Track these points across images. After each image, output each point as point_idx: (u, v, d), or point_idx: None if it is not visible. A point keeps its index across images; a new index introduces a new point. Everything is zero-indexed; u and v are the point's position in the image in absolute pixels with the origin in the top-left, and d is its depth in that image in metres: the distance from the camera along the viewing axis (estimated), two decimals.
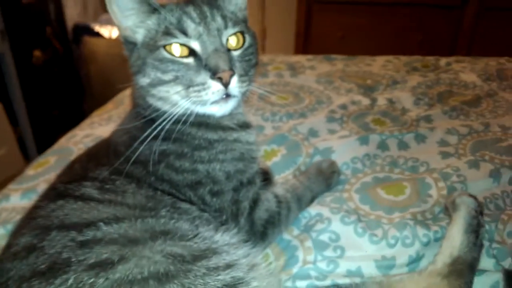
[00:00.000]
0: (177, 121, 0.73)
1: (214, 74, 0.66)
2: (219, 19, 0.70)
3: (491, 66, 1.64)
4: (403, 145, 1.13)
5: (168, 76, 0.69)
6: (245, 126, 0.83)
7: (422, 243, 0.80)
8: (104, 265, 0.54)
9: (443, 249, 0.75)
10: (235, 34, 0.72)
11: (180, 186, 0.73)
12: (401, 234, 0.82)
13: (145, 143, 0.71)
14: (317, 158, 1.08)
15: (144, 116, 0.75)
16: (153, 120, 0.72)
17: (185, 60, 0.68)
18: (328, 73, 1.62)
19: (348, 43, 2.91)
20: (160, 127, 0.71)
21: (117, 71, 2.76)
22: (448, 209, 0.85)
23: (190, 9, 0.70)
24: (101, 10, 3.12)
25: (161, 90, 0.70)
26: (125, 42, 0.74)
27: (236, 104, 0.74)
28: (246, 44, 0.74)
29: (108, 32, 2.68)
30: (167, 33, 0.68)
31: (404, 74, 1.62)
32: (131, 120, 0.77)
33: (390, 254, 0.79)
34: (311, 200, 0.93)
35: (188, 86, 0.68)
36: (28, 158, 2.63)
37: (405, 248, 0.79)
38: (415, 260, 0.78)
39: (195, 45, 0.68)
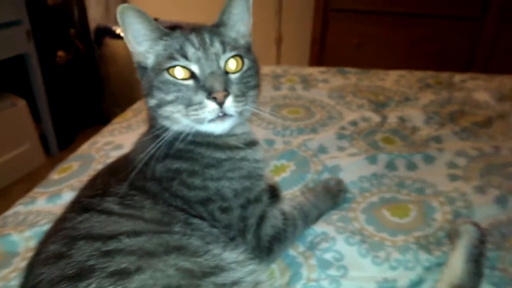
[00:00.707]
0: (188, 141, 0.79)
1: (210, 94, 0.72)
2: (217, 45, 0.77)
3: (505, 85, 1.64)
4: (411, 166, 1.16)
5: (170, 97, 0.75)
6: (251, 144, 0.88)
7: (424, 267, 0.83)
8: (122, 274, 0.59)
9: (444, 276, 0.77)
10: (233, 57, 0.78)
11: (192, 202, 0.78)
12: (403, 257, 0.84)
13: (160, 161, 0.78)
14: (325, 175, 1.11)
15: (158, 136, 0.80)
16: (165, 139, 0.78)
17: (185, 82, 0.75)
18: (341, 87, 1.64)
19: (364, 52, 2.92)
20: (173, 146, 0.78)
21: (135, 72, 2.83)
22: (451, 236, 0.87)
23: (192, 36, 0.77)
24: None
25: (166, 110, 0.77)
26: (138, 67, 0.82)
27: (234, 123, 0.79)
28: (245, 67, 0.80)
29: None
30: (171, 57, 0.75)
31: (416, 90, 1.64)
32: (148, 140, 0.82)
33: (392, 276, 0.81)
34: (318, 217, 0.96)
35: (188, 105, 0.74)
36: (49, 154, 2.72)
37: (406, 271, 0.82)
38: (416, 284, 0.80)
39: (195, 68, 0.75)
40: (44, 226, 0.93)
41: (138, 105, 1.51)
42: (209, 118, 0.74)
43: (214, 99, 0.72)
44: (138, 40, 0.78)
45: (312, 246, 0.89)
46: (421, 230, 0.93)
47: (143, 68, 0.80)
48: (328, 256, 0.86)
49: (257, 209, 0.83)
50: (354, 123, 1.36)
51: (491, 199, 1.01)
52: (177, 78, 0.75)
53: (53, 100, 2.62)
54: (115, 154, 1.19)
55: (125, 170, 0.81)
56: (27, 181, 2.48)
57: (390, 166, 1.15)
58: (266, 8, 3.05)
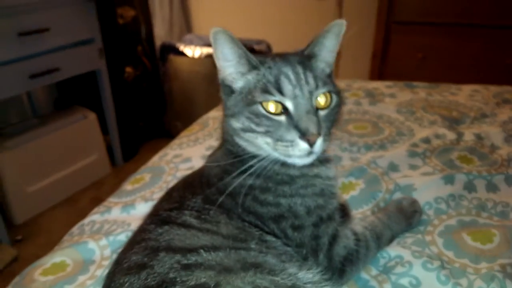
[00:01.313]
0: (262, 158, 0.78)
1: (303, 135, 0.72)
2: (311, 81, 0.75)
3: None
4: (492, 187, 1.08)
5: (260, 129, 0.75)
6: (325, 161, 0.86)
7: None
8: None
9: None
10: (323, 93, 0.76)
11: (264, 219, 0.77)
12: (488, 286, 0.78)
13: (234, 177, 0.78)
14: (398, 195, 1.07)
15: (233, 153, 0.81)
16: (241, 157, 0.79)
17: (278, 118, 0.74)
18: (409, 102, 1.58)
19: (428, 66, 2.80)
20: (248, 165, 0.77)
21: (197, 88, 2.93)
22: None
23: (287, 70, 0.75)
24: (186, 30, 3.33)
25: (251, 136, 0.76)
26: (222, 84, 0.81)
27: (317, 157, 0.77)
28: (333, 103, 0.78)
29: (192, 51, 2.85)
30: (265, 90, 0.74)
31: (493, 106, 1.53)
32: (222, 155, 0.83)
33: None
34: (391, 240, 0.92)
35: (277, 140, 0.74)
36: (114, 164, 2.87)
37: None
38: None
39: (289, 105, 0.74)
40: (119, 235, 0.97)
41: (204, 119, 1.55)
42: (297, 155, 0.74)
43: (307, 140, 0.72)
44: (225, 61, 0.77)
45: (387, 270, 0.85)
46: (507, 257, 0.85)
47: (227, 87, 0.80)
48: (404, 281, 0.82)
49: (330, 228, 0.81)
50: (426, 140, 1.29)
51: None
52: (270, 113, 0.74)
53: (120, 113, 2.77)
54: (183, 167, 1.22)
55: (200, 184, 0.83)
56: (93, 189, 2.63)
57: (469, 187, 1.08)
58: (325, 20, 3.05)
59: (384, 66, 2.95)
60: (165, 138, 3.13)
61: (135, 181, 1.21)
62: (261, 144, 0.76)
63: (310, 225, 0.79)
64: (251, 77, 0.77)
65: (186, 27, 3.34)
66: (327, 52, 0.81)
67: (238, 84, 0.78)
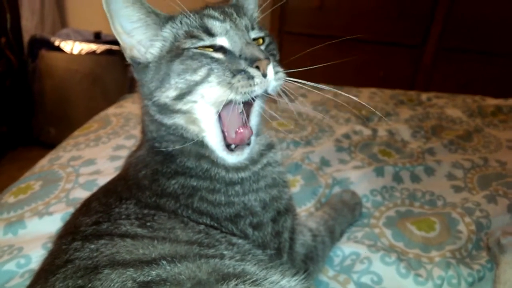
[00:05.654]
0: (198, 156, 0.66)
1: (252, 63, 0.60)
2: (246, 18, 0.67)
3: (469, 103, 1.71)
4: (415, 178, 1.11)
5: (202, 72, 0.60)
6: (269, 146, 0.76)
7: (468, 282, 0.77)
8: None
9: None
10: (261, 38, 0.69)
11: (220, 220, 0.65)
12: (446, 273, 0.77)
13: (170, 177, 0.65)
14: (336, 189, 1.03)
15: (160, 150, 0.67)
16: (171, 154, 0.66)
17: (216, 55, 0.61)
18: (321, 101, 1.59)
19: (316, 73, 2.96)
20: (180, 161, 0.66)
21: (75, 88, 2.54)
22: (491, 249, 0.81)
23: (210, 11, 0.65)
24: (60, 24, 2.89)
25: (196, 94, 0.61)
26: (133, 62, 0.66)
27: (250, 150, 0.68)
28: (267, 41, 0.70)
29: (70, 47, 2.47)
30: (192, 35, 0.62)
31: (393, 106, 1.64)
32: (149, 154, 0.67)
33: None
34: (341, 234, 0.88)
35: (232, 75, 0.60)
36: None
37: None
38: None
39: (223, 42, 0.62)
40: (6, 265, 0.71)
41: (102, 116, 1.30)
42: (257, 93, 0.60)
43: (257, 68, 0.59)
44: (129, 29, 0.63)
45: (346, 269, 0.79)
46: (452, 243, 0.87)
47: (140, 63, 0.65)
48: (366, 279, 0.77)
49: (288, 221, 0.73)
50: (347, 136, 1.29)
51: (503, 208, 0.99)
52: (206, 50, 0.61)
53: None
54: (86, 171, 0.97)
55: (127, 188, 0.65)
56: None
57: (397, 178, 1.09)
58: None
59: None
60: (33, 146, 2.64)
61: (19, 191, 0.90)
62: (213, 96, 0.60)
63: (269, 221, 0.69)
64: (168, 32, 0.64)
65: (60, 21, 2.90)
66: (249, 4, 0.73)
67: (155, 48, 0.64)
